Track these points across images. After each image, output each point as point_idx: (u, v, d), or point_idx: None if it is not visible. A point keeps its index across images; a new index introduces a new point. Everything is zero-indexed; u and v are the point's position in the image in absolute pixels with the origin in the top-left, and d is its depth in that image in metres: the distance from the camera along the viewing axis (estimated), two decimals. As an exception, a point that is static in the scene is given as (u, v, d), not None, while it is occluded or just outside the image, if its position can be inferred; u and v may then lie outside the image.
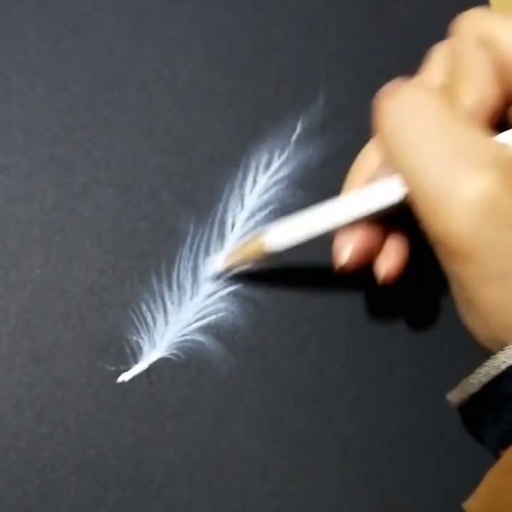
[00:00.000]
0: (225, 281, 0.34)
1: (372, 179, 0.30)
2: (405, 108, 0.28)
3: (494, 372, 0.26)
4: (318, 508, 0.32)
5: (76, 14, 0.37)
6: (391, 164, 0.29)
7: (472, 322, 0.27)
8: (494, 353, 0.26)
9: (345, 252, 0.30)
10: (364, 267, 0.31)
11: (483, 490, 0.25)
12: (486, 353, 0.27)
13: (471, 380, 0.27)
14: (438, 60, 0.32)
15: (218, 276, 0.34)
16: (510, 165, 0.25)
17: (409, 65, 0.39)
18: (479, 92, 0.28)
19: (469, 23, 0.30)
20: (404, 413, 0.33)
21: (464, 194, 0.25)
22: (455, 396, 0.28)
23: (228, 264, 0.33)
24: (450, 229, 0.25)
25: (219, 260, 0.34)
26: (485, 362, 0.26)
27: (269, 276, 0.34)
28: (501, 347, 0.26)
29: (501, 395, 0.26)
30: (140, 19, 0.38)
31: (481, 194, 0.25)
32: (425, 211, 0.26)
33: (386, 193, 0.29)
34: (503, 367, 0.25)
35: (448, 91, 0.29)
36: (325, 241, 0.31)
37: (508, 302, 0.25)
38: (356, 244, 0.30)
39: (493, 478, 0.25)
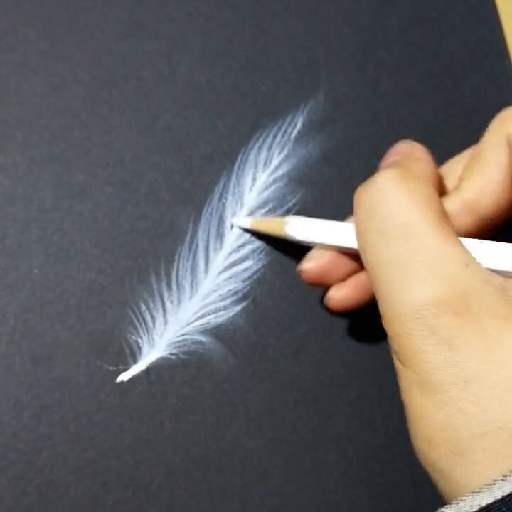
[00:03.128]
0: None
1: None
2: (374, 200, 0.27)
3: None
4: (318, 507, 0.32)
5: (74, 12, 0.37)
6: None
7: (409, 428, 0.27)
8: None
9: (312, 262, 0.31)
10: (320, 284, 0.32)
11: None
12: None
13: None
14: (463, 155, 0.31)
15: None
16: (456, 283, 0.25)
17: (410, 59, 0.39)
18: (484, 184, 0.28)
19: (501, 120, 0.28)
20: (404, 413, 0.33)
21: (408, 303, 0.25)
22: None
23: (250, 227, 0.34)
24: (392, 328, 0.25)
25: (242, 221, 0.35)
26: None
27: (269, 275, 0.34)
28: (425, 462, 0.25)
29: None
30: (138, 17, 0.37)
31: (418, 302, 0.24)
32: (379, 304, 0.26)
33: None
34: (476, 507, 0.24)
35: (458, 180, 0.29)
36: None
37: (432, 412, 0.25)
38: (324, 260, 0.31)
39: None
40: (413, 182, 0.27)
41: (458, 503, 0.23)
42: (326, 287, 0.32)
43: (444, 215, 0.27)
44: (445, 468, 0.24)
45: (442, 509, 0.23)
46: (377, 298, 0.27)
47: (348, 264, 0.31)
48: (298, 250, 0.33)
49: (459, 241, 0.26)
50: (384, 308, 0.26)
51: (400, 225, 0.26)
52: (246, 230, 0.35)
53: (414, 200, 0.26)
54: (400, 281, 0.25)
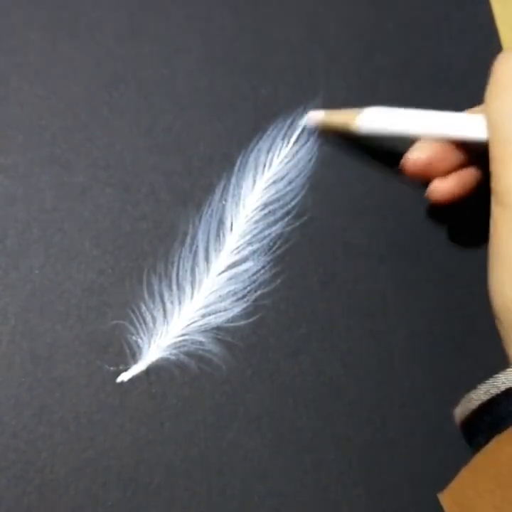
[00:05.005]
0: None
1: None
2: None
3: (494, 391, 0.26)
4: (318, 507, 0.32)
5: (75, 15, 0.37)
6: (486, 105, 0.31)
7: (494, 282, 0.28)
8: (500, 329, 0.27)
9: (418, 152, 0.32)
10: (423, 176, 0.33)
11: (455, 484, 0.26)
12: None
13: (472, 395, 0.27)
14: None
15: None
16: None
17: (409, 64, 0.39)
18: None
19: None
20: (404, 413, 0.33)
21: None
22: (458, 415, 0.29)
23: (322, 123, 0.36)
24: (507, 175, 0.28)
25: (315, 116, 0.36)
26: (487, 379, 0.26)
27: (269, 276, 0.34)
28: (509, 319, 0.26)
29: (495, 416, 0.26)
30: (139, 19, 0.38)
31: None
32: (494, 152, 0.29)
33: (475, 128, 0.31)
34: (503, 387, 0.25)
35: None
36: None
37: None
38: (431, 152, 0.32)
39: (464, 475, 0.26)
40: None
41: None
42: (426, 181, 0.33)
43: None
44: None
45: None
46: (492, 142, 0.29)
47: (453, 157, 0.32)
48: (299, 249, 0.33)
49: None
50: (500, 152, 0.28)
51: None
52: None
53: None
54: None
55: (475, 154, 0.32)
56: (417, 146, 0.33)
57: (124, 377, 0.32)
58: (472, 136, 0.32)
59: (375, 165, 0.36)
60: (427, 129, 0.33)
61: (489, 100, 0.30)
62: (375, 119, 0.33)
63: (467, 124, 0.32)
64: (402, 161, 0.33)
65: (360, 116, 0.33)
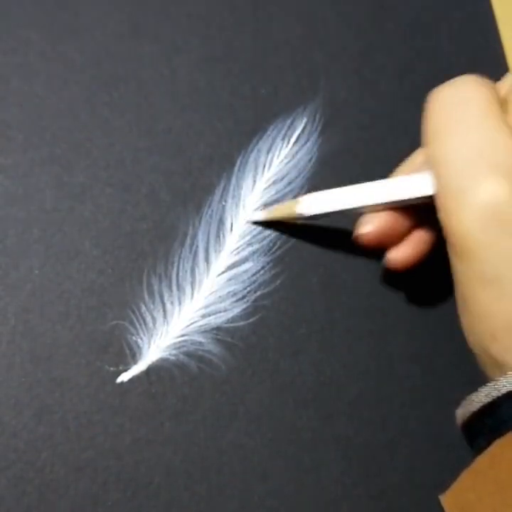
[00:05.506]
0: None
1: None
2: (451, 94, 0.28)
3: (495, 394, 0.26)
4: (318, 507, 0.32)
5: (75, 14, 0.37)
6: (424, 148, 0.29)
7: (465, 324, 0.28)
8: (479, 360, 0.27)
9: (369, 225, 0.31)
10: (378, 247, 0.32)
11: (456, 486, 0.26)
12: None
13: (473, 397, 0.27)
14: None
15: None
16: None
17: (409, 63, 0.39)
18: None
19: None
20: (404, 413, 0.33)
21: (477, 195, 0.25)
22: (459, 416, 0.29)
23: (266, 217, 0.35)
24: (459, 226, 0.26)
25: (258, 214, 0.35)
26: (488, 383, 0.26)
27: (269, 276, 0.34)
28: (485, 354, 0.26)
29: (496, 418, 0.26)
30: (139, 19, 0.37)
31: (492, 199, 0.25)
32: (441, 203, 0.27)
33: (416, 186, 0.30)
34: (504, 390, 0.25)
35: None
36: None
37: (497, 308, 0.25)
38: (380, 223, 0.31)
39: (464, 477, 0.26)
40: (489, 86, 0.28)
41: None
42: (382, 249, 0.32)
43: None
44: (507, 359, 0.25)
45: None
46: (439, 193, 0.27)
47: (404, 221, 0.32)
48: (301, 250, 0.33)
49: None
50: (448, 202, 0.26)
51: (475, 115, 0.27)
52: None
53: (488, 95, 0.27)
54: (470, 173, 0.26)
55: (426, 211, 0.30)
56: (365, 219, 0.32)
57: (124, 377, 0.32)
58: (416, 195, 0.30)
59: (375, 167, 0.36)
60: (369, 200, 0.31)
61: (427, 146, 0.29)
62: (315, 205, 0.32)
63: (408, 185, 0.30)
64: (354, 236, 0.32)
65: (299, 206, 0.33)
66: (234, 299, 0.34)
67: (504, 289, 0.25)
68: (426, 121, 0.29)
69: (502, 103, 0.28)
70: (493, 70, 0.39)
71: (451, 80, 0.29)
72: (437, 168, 0.27)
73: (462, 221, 0.26)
